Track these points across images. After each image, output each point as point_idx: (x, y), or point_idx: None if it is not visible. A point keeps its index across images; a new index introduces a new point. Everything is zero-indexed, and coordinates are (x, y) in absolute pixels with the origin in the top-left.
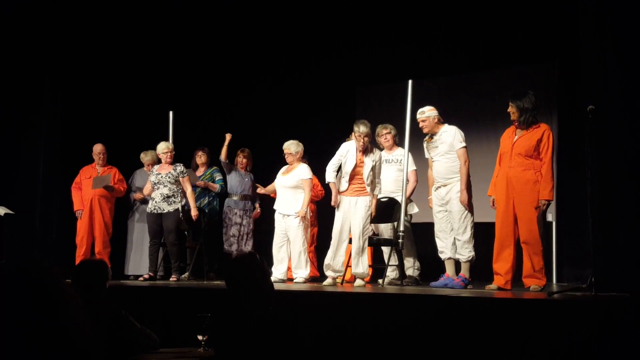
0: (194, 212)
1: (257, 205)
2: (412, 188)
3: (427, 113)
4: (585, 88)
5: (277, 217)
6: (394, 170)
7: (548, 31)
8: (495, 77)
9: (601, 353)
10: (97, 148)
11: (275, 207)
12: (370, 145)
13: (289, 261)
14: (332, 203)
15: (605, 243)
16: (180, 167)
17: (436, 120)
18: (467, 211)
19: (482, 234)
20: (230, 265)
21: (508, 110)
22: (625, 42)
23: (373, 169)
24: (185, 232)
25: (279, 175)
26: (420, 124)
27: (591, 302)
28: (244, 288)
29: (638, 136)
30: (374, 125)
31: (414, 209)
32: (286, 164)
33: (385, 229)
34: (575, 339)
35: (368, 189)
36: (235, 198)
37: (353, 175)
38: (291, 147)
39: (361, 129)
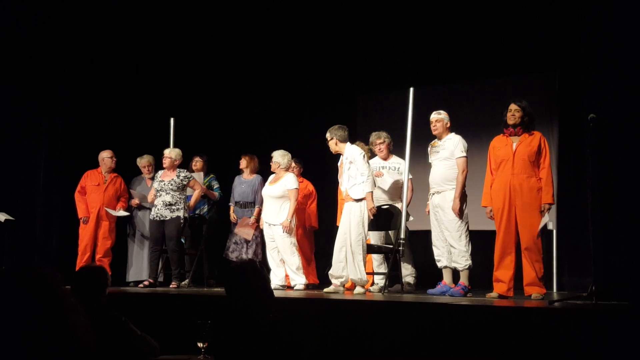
0: (192, 202)
1: (254, 215)
2: (409, 197)
3: (443, 115)
4: (586, 97)
5: (265, 226)
6: (391, 178)
7: (549, 40)
8: (496, 85)
9: None
10: (108, 153)
11: (262, 215)
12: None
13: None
14: None
15: (605, 251)
16: (184, 173)
17: (448, 125)
18: (460, 220)
19: (481, 242)
20: (230, 272)
21: (511, 113)
22: (625, 50)
23: (350, 169)
24: (182, 240)
25: (267, 185)
26: (434, 124)
27: (592, 310)
28: (243, 295)
29: (639, 144)
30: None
31: (409, 218)
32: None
33: (374, 236)
34: (575, 347)
35: (346, 190)
36: (237, 206)
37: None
38: (276, 156)
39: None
